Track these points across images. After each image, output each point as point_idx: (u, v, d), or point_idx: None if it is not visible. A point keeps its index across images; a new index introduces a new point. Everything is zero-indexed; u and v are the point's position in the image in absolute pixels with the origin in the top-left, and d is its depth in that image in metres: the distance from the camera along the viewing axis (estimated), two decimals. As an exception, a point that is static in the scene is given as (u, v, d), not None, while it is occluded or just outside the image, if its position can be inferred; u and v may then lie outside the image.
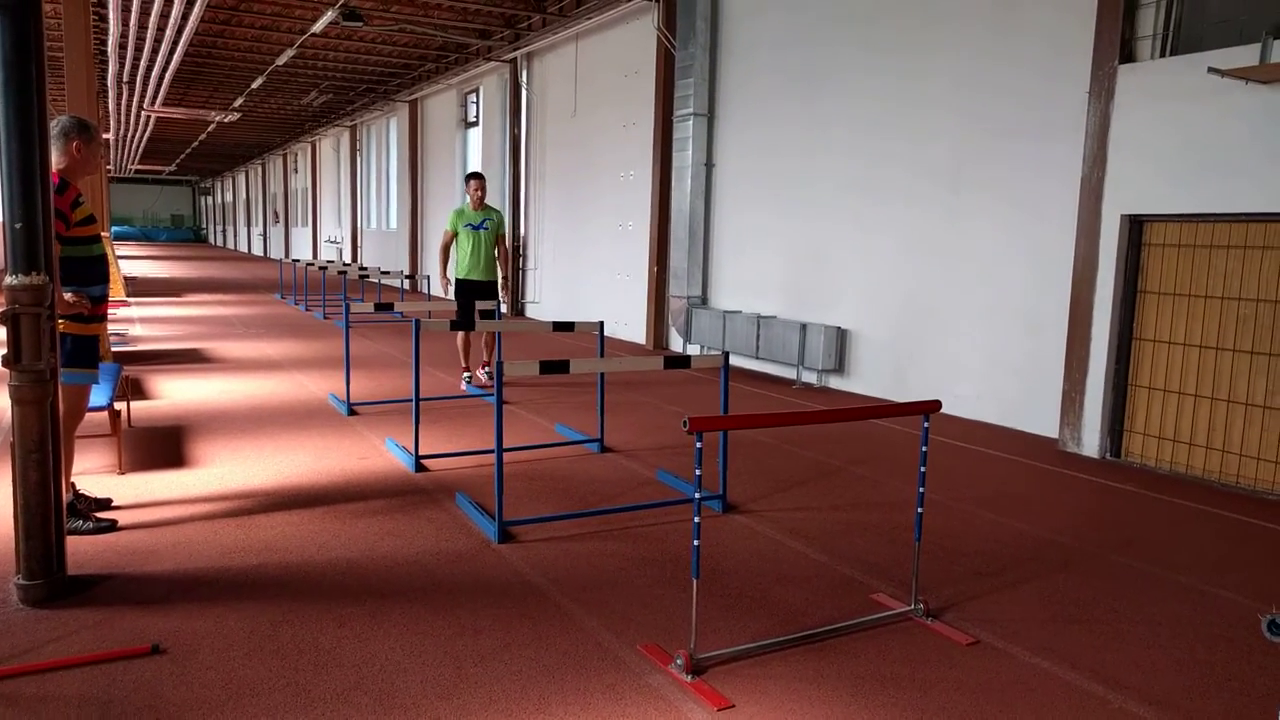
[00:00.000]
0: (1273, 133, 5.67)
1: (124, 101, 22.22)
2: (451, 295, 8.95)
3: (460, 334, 8.82)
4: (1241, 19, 6.06)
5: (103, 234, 4.56)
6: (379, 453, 6.25)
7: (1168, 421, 6.42)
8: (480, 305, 8.47)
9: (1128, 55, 6.54)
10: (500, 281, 9.06)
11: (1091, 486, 6.01)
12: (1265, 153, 5.71)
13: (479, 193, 8.77)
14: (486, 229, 8.83)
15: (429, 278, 19.21)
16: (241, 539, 4.43)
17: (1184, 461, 6.32)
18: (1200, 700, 3.14)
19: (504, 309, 8.98)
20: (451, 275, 8.98)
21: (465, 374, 9.02)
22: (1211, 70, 5.73)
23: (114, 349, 10.07)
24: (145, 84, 19.32)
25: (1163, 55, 6.44)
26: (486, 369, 9.05)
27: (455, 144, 20.21)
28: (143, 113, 23.71)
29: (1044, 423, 7.30)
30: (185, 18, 13.44)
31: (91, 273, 4.27)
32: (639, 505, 5.15)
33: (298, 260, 19.82)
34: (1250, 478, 5.95)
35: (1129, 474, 6.35)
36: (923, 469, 3.73)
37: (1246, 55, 5.68)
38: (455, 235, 8.82)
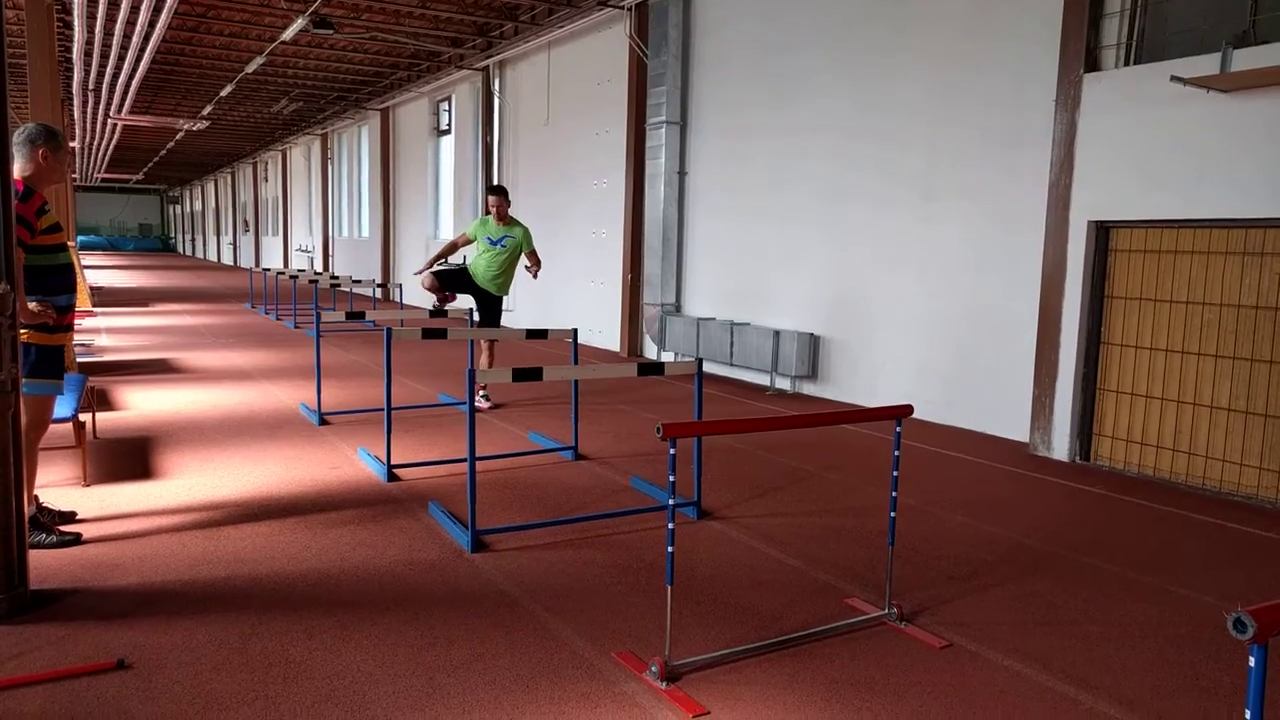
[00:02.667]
0: (1234, 140, 5.78)
1: (90, 109, 21.91)
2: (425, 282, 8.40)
3: (430, 281, 8.28)
4: (1202, 29, 6.17)
5: (69, 243, 4.49)
6: (351, 462, 6.19)
7: (1135, 425, 6.50)
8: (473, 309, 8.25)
9: (1093, 64, 6.64)
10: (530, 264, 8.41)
11: (1062, 490, 6.07)
12: (1226, 160, 5.82)
13: (496, 209, 8.13)
14: (504, 247, 8.19)
15: (401, 286, 19.09)
16: (210, 551, 4.36)
17: (1151, 464, 6.40)
18: (1169, 699, 3.17)
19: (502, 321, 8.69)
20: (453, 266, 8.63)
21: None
22: (1174, 79, 5.83)
23: (79, 359, 9.91)
24: (111, 91, 19.07)
25: (1127, 64, 6.54)
26: (484, 391, 8.49)
27: (428, 152, 20.12)
28: (109, 121, 23.40)
29: (1015, 427, 7.38)
30: (152, 24, 13.28)
31: (57, 281, 4.20)
32: (613, 513, 5.13)
33: (268, 269, 19.62)
34: (1216, 480, 6.04)
35: (1098, 477, 6.42)
36: (895, 473, 3.75)
37: (1208, 64, 5.79)
38: (471, 243, 8.33)
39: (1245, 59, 5.59)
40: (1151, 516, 5.49)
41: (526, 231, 8.30)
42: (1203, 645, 3.63)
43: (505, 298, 8.61)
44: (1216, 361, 6.02)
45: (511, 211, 8.41)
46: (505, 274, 8.35)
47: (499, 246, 8.16)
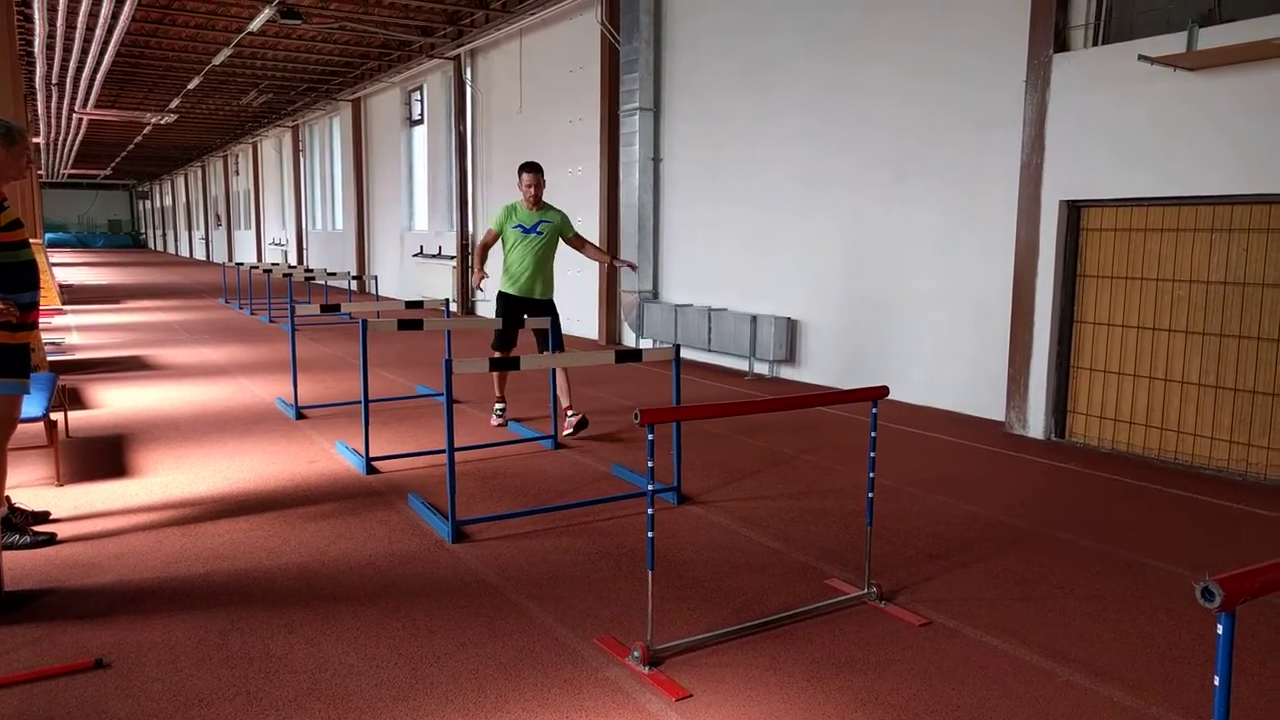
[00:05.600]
0: (1201, 118, 5.84)
1: (54, 104, 21.55)
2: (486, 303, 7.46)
3: (496, 355, 6.60)
4: (1169, 8, 6.22)
5: (33, 241, 4.41)
6: (329, 456, 6.16)
7: (1108, 401, 6.58)
8: (532, 324, 6.60)
9: (1062, 44, 6.68)
10: (608, 259, 7.42)
11: (1037, 467, 6.14)
12: (1194, 138, 5.88)
13: (531, 189, 6.72)
14: (541, 233, 6.77)
15: (376, 278, 18.96)
16: (187, 548, 4.33)
17: (1125, 440, 6.48)
18: (1144, 669, 3.22)
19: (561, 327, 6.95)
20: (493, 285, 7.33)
21: (499, 405, 7.18)
22: (1141, 58, 5.88)
23: (49, 358, 9.77)
24: (76, 85, 18.75)
25: (1096, 44, 6.59)
26: (572, 412, 6.62)
27: (400, 143, 19.96)
28: (74, 115, 23.03)
29: (991, 406, 7.45)
30: (115, 16, 13.06)
31: (19, 279, 4.13)
32: (594, 500, 5.14)
33: (241, 263, 19.42)
34: (1188, 454, 6.13)
35: (1073, 454, 6.50)
36: (872, 454, 3.78)
37: (1174, 43, 5.84)
38: (500, 236, 6.88)
39: (1211, 37, 5.65)
40: (1125, 491, 5.56)
41: (564, 215, 6.99)
42: (1176, 616, 3.69)
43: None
44: (1187, 337, 6.10)
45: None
46: (547, 269, 6.93)
47: (534, 234, 6.78)
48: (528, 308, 6.87)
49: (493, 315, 6.97)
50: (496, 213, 6.96)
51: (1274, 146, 5.49)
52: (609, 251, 6.82)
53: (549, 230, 6.84)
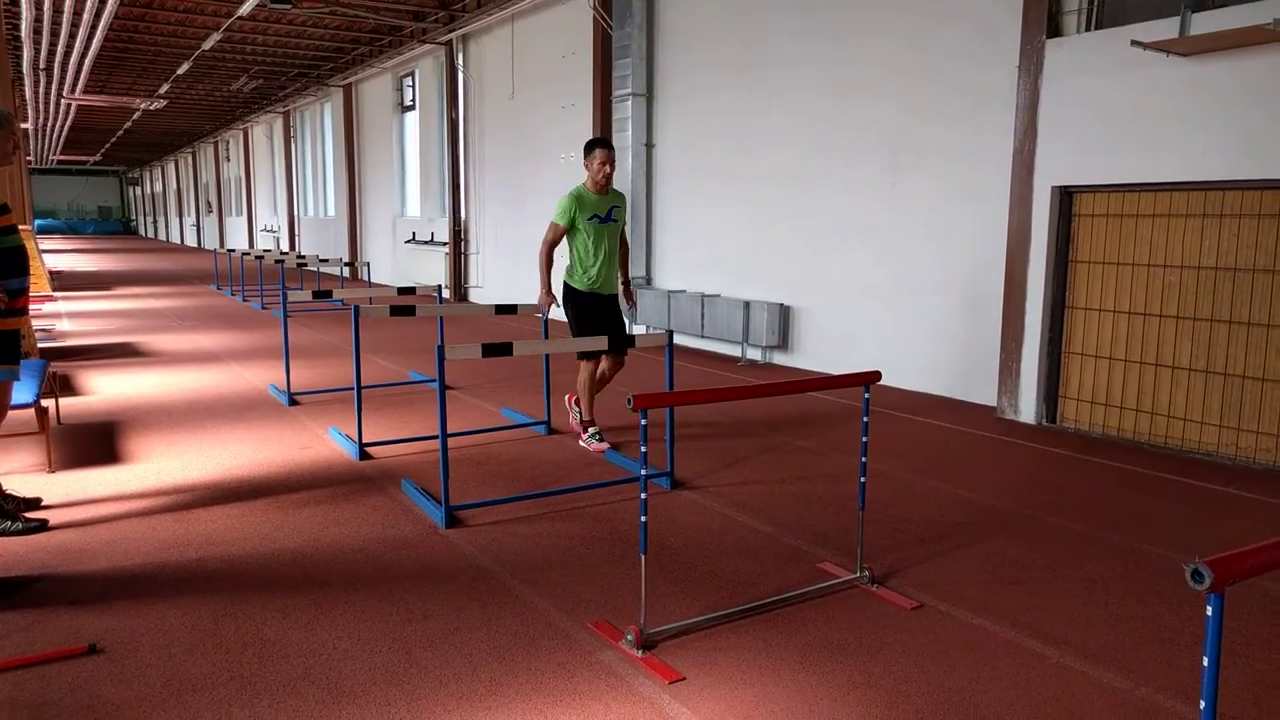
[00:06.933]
0: (1193, 104, 5.84)
1: (42, 89, 21.37)
2: (554, 313, 6.13)
3: (588, 368, 5.96)
4: (1162, -8, 6.21)
5: (22, 227, 4.38)
6: (322, 442, 6.15)
7: (1100, 386, 6.61)
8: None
9: (1055, 30, 6.66)
10: (622, 289, 6.25)
11: (1029, 452, 6.16)
12: (1186, 123, 5.88)
13: (607, 168, 5.81)
14: (616, 220, 5.97)
15: (369, 265, 18.89)
16: (180, 534, 4.33)
17: (1116, 425, 6.51)
18: (1134, 651, 3.25)
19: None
20: (559, 284, 6.07)
21: (591, 430, 6.00)
22: (1134, 43, 5.87)
23: (40, 344, 9.73)
24: (64, 70, 18.59)
25: (1088, 29, 6.58)
26: (594, 430, 6.07)
27: (392, 128, 19.86)
28: (63, 100, 22.84)
29: (983, 392, 7.47)
30: (103, 1, 12.95)
31: (8, 264, 4.11)
32: (587, 485, 5.15)
33: (233, 250, 19.33)
34: (1178, 438, 6.16)
35: (1064, 439, 6.53)
36: (864, 439, 3.79)
37: (1167, 29, 5.83)
38: (570, 231, 5.89)
39: (1204, 22, 5.64)
40: (1116, 476, 5.59)
41: (625, 200, 6.20)
42: (1165, 598, 3.72)
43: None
44: (1178, 323, 6.12)
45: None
46: (616, 260, 6.10)
47: (611, 222, 5.94)
48: (608, 305, 6.04)
49: (570, 322, 6.07)
50: (560, 205, 5.91)
51: (1266, 132, 5.49)
52: (626, 278, 6.26)
53: (620, 216, 6.02)
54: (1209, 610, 1.83)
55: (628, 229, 6.43)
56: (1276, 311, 5.63)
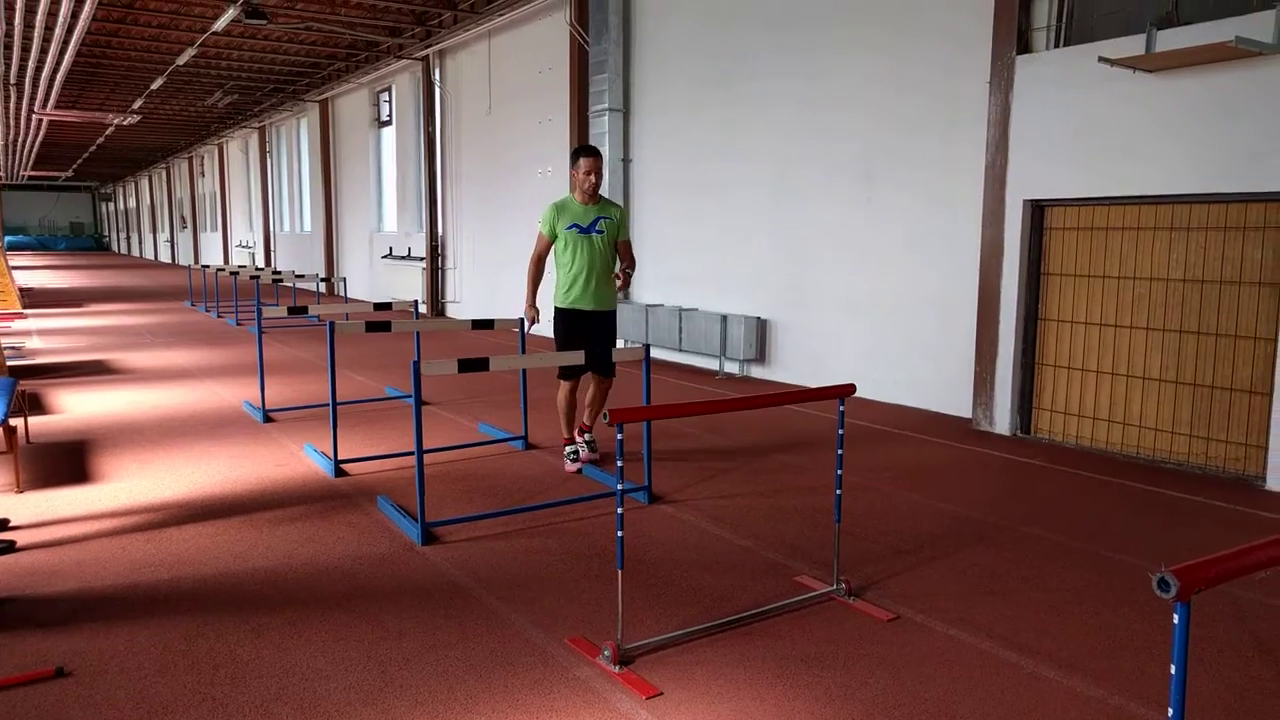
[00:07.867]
0: (1161, 119, 5.94)
1: (12, 104, 21.13)
2: (541, 330, 5.95)
3: (565, 387, 5.87)
4: (1128, 10, 6.33)
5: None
6: (297, 459, 6.10)
7: (1072, 397, 6.68)
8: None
9: (1025, 46, 6.77)
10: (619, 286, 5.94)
11: (1003, 463, 6.22)
12: (1153, 138, 5.98)
13: (592, 177, 5.63)
14: (602, 231, 5.71)
15: (345, 280, 18.79)
16: (152, 553, 4.27)
17: (1088, 435, 6.58)
18: (1106, 660, 3.28)
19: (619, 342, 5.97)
20: (552, 300, 5.91)
21: (569, 447, 5.93)
22: (1102, 59, 5.96)
23: (9, 363, 9.59)
24: (35, 85, 18.38)
25: (1058, 45, 6.68)
26: (587, 435, 6.08)
27: (369, 144, 19.81)
28: (34, 116, 22.59)
29: (958, 404, 7.53)
30: (75, 15, 12.82)
31: (-22, 282, 4.07)
32: (564, 500, 5.13)
33: (208, 266, 19.17)
34: (1149, 448, 6.23)
35: (1038, 449, 6.59)
36: (840, 452, 3.81)
37: (1134, 45, 5.93)
38: (553, 242, 5.77)
39: (1169, 39, 5.74)
40: (1088, 486, 5.65)
41: (624, 211, 5.98)
42: (1137, 606, 3.75)
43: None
44: (1147, 334, 6.21)
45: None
46: (608, 274, 5.83)
47: (595, 234, 5.69)
48: (592, 322, 5.81)
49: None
50: (543, 214, 5.80)
51: (1230, 147, 5.60)
52: (628, 265, 5.95)
53: (610, 228, 5.75)
54: (1175, 618, 1.85)
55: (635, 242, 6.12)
56: (1244, 322, 5.73)
